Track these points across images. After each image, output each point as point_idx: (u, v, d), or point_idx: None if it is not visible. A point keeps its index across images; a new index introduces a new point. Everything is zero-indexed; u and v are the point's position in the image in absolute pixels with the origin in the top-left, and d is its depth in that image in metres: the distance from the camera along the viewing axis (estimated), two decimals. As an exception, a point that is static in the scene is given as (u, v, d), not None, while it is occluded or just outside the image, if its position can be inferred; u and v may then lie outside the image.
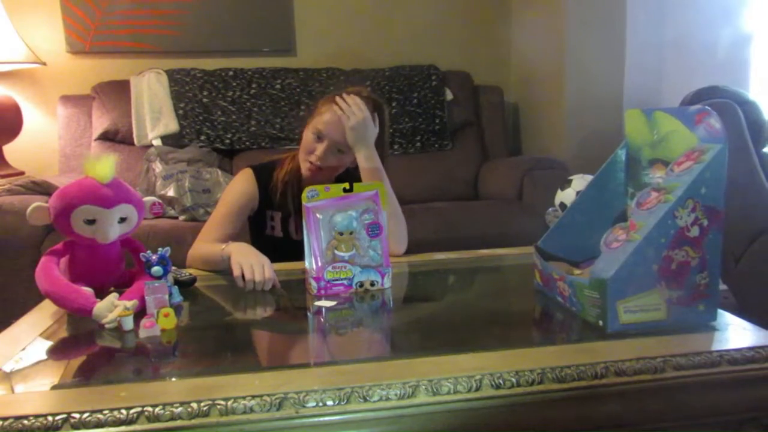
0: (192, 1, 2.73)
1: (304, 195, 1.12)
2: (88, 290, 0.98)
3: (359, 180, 1.34)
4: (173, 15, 2.72)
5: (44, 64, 2.56)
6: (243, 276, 1.13)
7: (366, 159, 1.35)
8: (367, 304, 1.07)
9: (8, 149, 2.51)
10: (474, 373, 0.73)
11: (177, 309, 1.02)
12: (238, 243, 1.23)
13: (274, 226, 1.45)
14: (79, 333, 0.96)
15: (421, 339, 0.95)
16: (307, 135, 1.38)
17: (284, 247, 1.41)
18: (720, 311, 0.91)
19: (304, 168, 1.40)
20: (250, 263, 1.13)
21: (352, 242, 1.11)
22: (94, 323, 0.94)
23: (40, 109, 2.68)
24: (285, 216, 1.45)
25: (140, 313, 0.96)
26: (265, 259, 1.16)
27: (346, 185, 1.14)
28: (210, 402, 0.67)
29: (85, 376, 0.83)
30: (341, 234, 1.11)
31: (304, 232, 1.12)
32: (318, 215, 1.11)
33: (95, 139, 2.52)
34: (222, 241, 1.28)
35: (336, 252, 1.10)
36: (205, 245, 1.32)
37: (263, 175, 1.45)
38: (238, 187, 1.43)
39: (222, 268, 1.23)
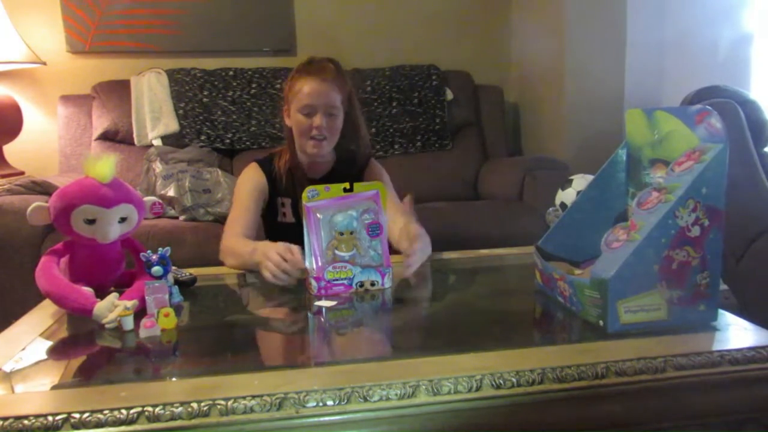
0: (192, 1, 2.73)
1: (304, 195, 1.12)
2: (88, 290, 0.98)
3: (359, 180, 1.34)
4: (173, 15, 2.72)
5: (44, 63, 2.56)
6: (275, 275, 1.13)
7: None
8: (367, 304, 1.07)
9: (8, 149, 2.51)
10: (474, 373, 0.72)
11: (177, 309, 1.02)
12: (263, 246, 1.22)
13: (285, 212, 1.49)
14: (79, 333, 0.96)
15: (422, 339, 0.95)
16: (297, 118, 1.41)
17: (297, 231, 1.41)
18: (721, 311, 0.91)
19: (309, 147, 1.42)
20: (275, 260, 1.14)
21: (352, 242, 1.11)
22: (94, 323, 0.94)
23: (40, 109, 2.67)
24: (294, 201, 1.48)
25: (140, 313, 0.96)
26: (285, 244, 1.16)
27: (347, 185, 1.14)
28: (210, 402, 0.67)
29: (85, 376, 0.83)
30: (342, 234, 1.11)
31: (305, 231, 1.12)
32: (318, 215, 1.11)
33: (95, 139, 2.51)
34: (246, 231, 1.36)
35: (336, 252, 1.10)
36: (234, 242, 1.34)
37: (268, 166, 1.50)
38: (249, 179, 1.48)
39: (252, 269, 1.25)
